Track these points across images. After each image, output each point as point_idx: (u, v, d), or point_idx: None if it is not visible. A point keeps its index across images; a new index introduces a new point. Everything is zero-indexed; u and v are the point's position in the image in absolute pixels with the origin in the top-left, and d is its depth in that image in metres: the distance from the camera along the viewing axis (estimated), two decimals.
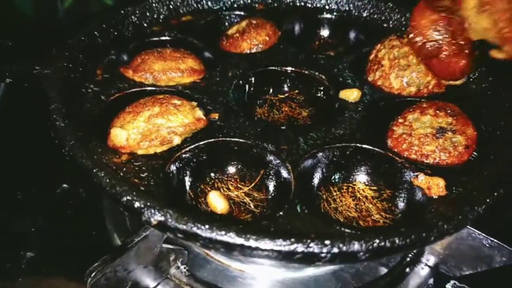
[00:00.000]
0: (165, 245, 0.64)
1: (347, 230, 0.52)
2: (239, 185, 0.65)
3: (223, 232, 0.47)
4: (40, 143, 0.89)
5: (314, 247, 0.46)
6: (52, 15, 1.22)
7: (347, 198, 0.64)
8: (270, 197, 0.63)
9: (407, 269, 0.71)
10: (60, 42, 0.78)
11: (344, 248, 0.46)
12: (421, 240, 0.49)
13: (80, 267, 0.74)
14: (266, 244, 0.46)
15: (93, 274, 0.54)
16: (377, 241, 0.47)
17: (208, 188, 0.64)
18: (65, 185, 0.85)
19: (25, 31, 1.09)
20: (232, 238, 0.46)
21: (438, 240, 0.51)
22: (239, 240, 0.46)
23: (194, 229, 0.47)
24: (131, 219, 0.77)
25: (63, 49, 0.73)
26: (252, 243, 0.46)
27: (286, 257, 0.47)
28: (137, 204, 0.49)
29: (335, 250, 0.46)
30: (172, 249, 0.66)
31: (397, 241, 0.48)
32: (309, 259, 0.47)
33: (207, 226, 0.47)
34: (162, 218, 0.48)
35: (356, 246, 0.46)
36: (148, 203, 0.49)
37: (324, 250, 0.46)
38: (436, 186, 0.58)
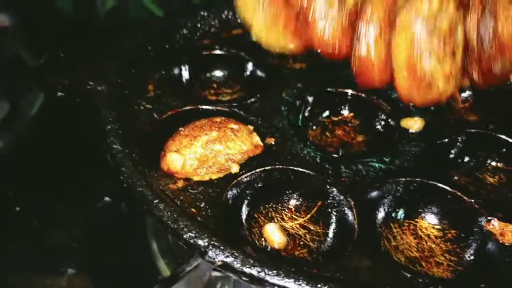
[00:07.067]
0: (214, 273, 0.61)
1: (420, 280, 0.49)
2: (294, 216, 0.62)
3: (293, 280, 0.44)
4: (81, 153, 0.87)
5: None
6: (92, 16, 1.21)
7: (408, 236, 0.61)
8: (328, 231, 0.60)
9: None
10: (106, 50, 0.75)
11: None
12: None
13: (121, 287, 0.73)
14: None
15: None
16: None
17: (262, 218, 0.61)
18: (107, 198, 0.82)
19: (67, 34, 1.07)
20: (302, 287, 0.44)
21: None
22: None
23: (262, 274, 0.45)
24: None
25: (117, 63, 0.70)
26: None
27: None
28: (200, 242, 0.47)
29: None
30: (220, 277, 0.64)
31: None
32: None
33: (275, 272, 0.44)
34: (228, 260, 0.45)
35: None
36: (213, 242, 0.46)
37: None
38: (511, 233, 0.55)
